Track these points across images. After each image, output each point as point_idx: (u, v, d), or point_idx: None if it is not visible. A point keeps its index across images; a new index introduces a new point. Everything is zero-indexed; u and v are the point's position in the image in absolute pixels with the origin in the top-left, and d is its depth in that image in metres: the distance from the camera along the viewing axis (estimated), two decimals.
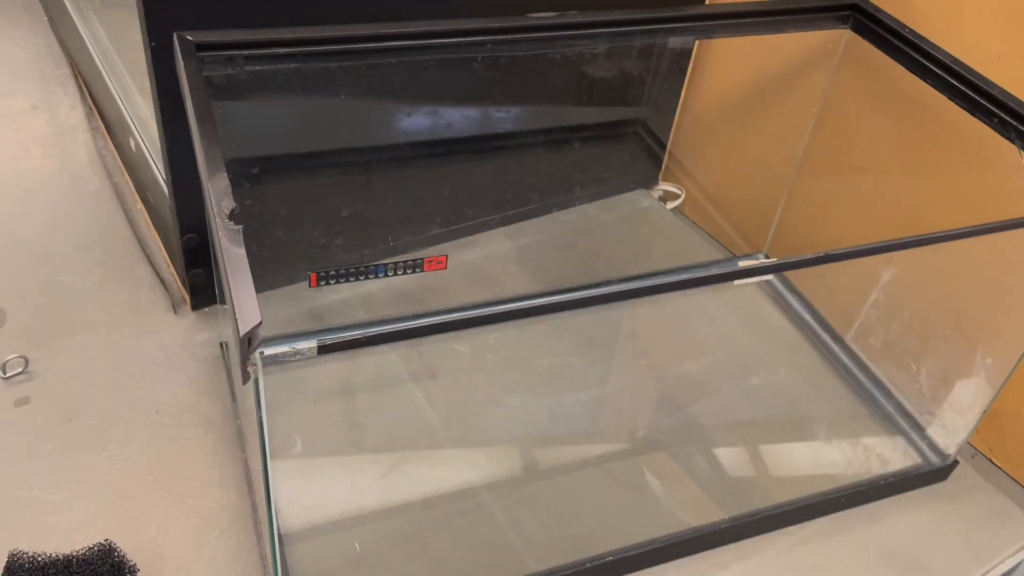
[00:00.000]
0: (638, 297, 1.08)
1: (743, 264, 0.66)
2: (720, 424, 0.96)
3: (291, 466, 0.85)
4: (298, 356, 0.50)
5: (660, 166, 1.32)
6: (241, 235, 0.51)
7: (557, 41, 0.86)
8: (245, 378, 0.48)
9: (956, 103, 0.81)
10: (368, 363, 0.97)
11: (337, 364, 0.96)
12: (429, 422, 0.91)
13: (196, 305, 1.01)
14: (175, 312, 1.00)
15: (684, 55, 1.20)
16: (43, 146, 1.23)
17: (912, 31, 0.86)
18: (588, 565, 0.76)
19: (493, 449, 0.89)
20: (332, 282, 0.90)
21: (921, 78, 0.85)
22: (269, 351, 0.48)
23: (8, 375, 0.90)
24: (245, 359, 0.47)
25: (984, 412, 0.85)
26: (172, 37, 0.69)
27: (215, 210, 0.52)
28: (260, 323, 0.47)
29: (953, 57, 0.82)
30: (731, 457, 0.92)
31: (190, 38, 0.69)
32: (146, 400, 0.90)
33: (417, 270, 0.93)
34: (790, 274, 1.13)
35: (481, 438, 0.90)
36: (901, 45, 0.87)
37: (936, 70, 0.83)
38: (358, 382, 0.95)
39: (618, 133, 1.28)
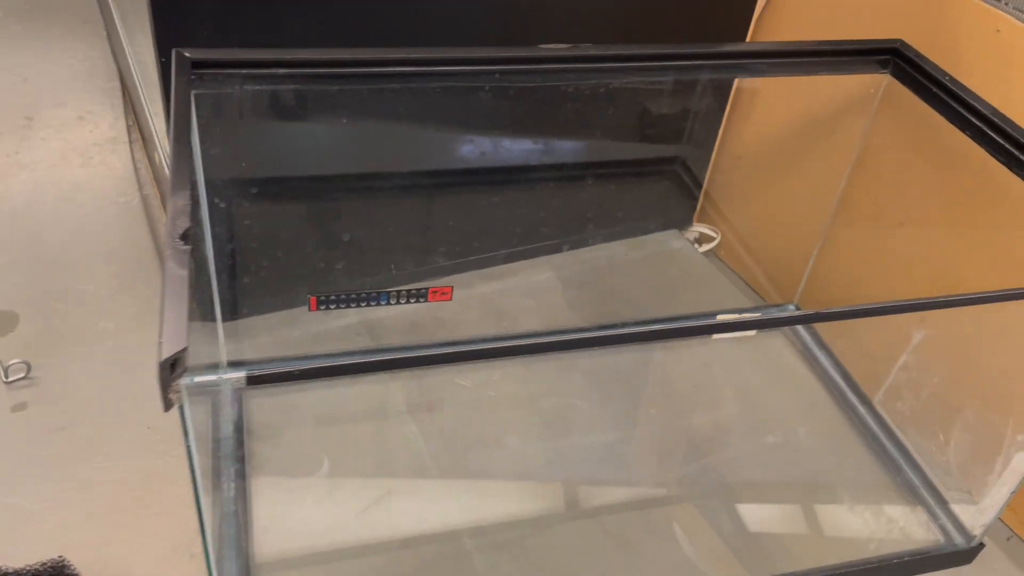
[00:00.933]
0: (637, 342, 1.04)
1: (722, 318, 0.62)
2: (726, 483, 0.90)
3: (272, 491, 0.83)
4: (221, 386, 0.48)
5: (695, 206, 1.28)
6: (188, 256, 0.49)
7: (587, 74, 0.84)
8: (167, 405, 0.46)
9: (995, 157, 0.76)
10: (366, 391, 0.95)
11: (333, 390, 0.94)
12: (420, 457, 0.88)
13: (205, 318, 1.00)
14: None
15: (723, 94, 1.16)
16: (82, 156, 1.26)
17: (952, 79, 0.81)
18: None
19: (482, 491, 0.86)
20: (332, 307, 0.89)
21: (960, 129, 0.79)
22: (190, 381, 0.46)
23: (10, 379, 0.90)
24: (166, 386, 0.44)
25: (1013, 493, 0.78)
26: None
27: (168, 227, 0.51)
28: (185, 349, 0.45)
29: (993, 108, 0.77)
30: (734, 519, 0.87)
31: (187, 55, 0.68)
32: (141, 414, 0.89)
33: (421, 300, 0.92)
34: (820, 328, 1.07)
35: (471, 478, 0.87)
36: (940, 93, 0.82)
37: (975, 121, 0.78)
38: (352, 410, 0.93)
39: (652, 171, 1.25)
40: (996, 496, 0.80)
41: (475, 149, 1.05)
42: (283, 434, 0.89)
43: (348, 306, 0.93)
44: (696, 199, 1.27)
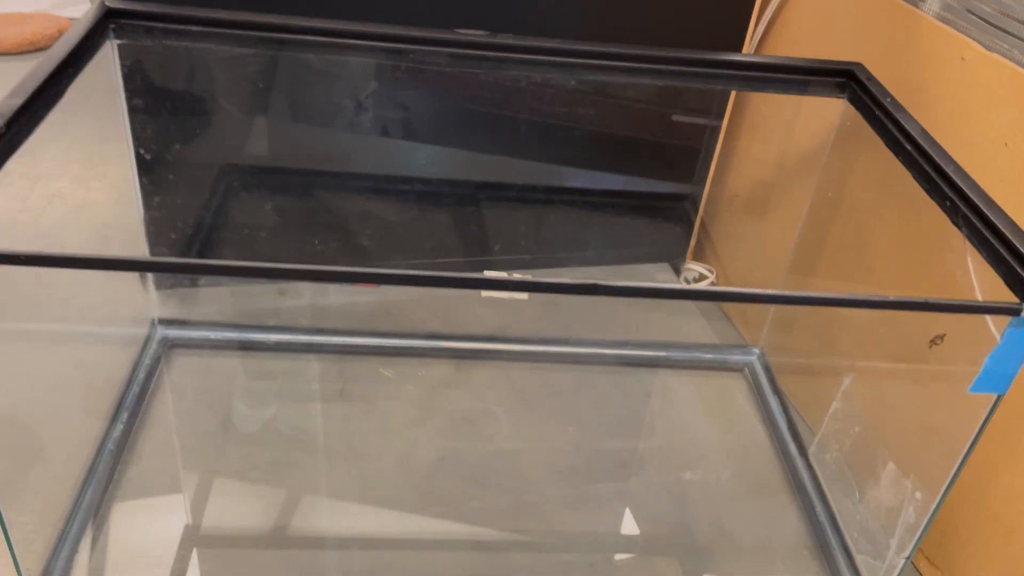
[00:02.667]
0: (568, 362, 1.00)
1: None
2: (628, 512, 0.85)
3: (156, 439, 0.84)
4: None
5: (689, 243, 1.23)
6: None
7: (504, 64, 0.84)
8: None
9: (918, 181, 0.69)
10: (286, 367, 0.96)
11: (256, 362, 0.96)
12: (311, 435, 0.88)
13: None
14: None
15: (714, 130, 1.11)
16: None
17: (893, 101, 0.75)
18: None
19: (359, 475, 0.84)
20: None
21: (895, 153, 0.74)
22: None
23: None
24: None
25: (907, 559, 0.69)
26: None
27: None
28: None
29: (922, 129, 0.71)
30: (628, 550, 0.81)
31: (107, 3, 0.73)
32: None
33: (345, 283, 0.92)
34: (779, 372, 1.00)
35: (353, 462, 0.86)
36: (883, 116, 0.76)
37: (907, 145, 0.72)
38: (266, 383, 0.94)
39: (647, 205, 1.22)
40: (895, 561, 0.71)
41: (441, 158, 1.06)
42: (189, 394, 0.91)
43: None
44: (690, 236, 1.23)
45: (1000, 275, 0.58)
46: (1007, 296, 0.58)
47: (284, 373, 0.95)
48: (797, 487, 0.87)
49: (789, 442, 0.92)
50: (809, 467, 0.88)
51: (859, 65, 0.82)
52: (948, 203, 0.65)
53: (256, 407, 0.90)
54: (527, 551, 0.79)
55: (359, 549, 0.77)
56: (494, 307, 1.10)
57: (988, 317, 0.58)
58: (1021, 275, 0.56)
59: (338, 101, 0.94)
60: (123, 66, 0.77)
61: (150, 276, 0.95)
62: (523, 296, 0.52)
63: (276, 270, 0.59)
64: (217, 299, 1.05)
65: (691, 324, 1.13)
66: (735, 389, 1.01)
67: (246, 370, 0.95)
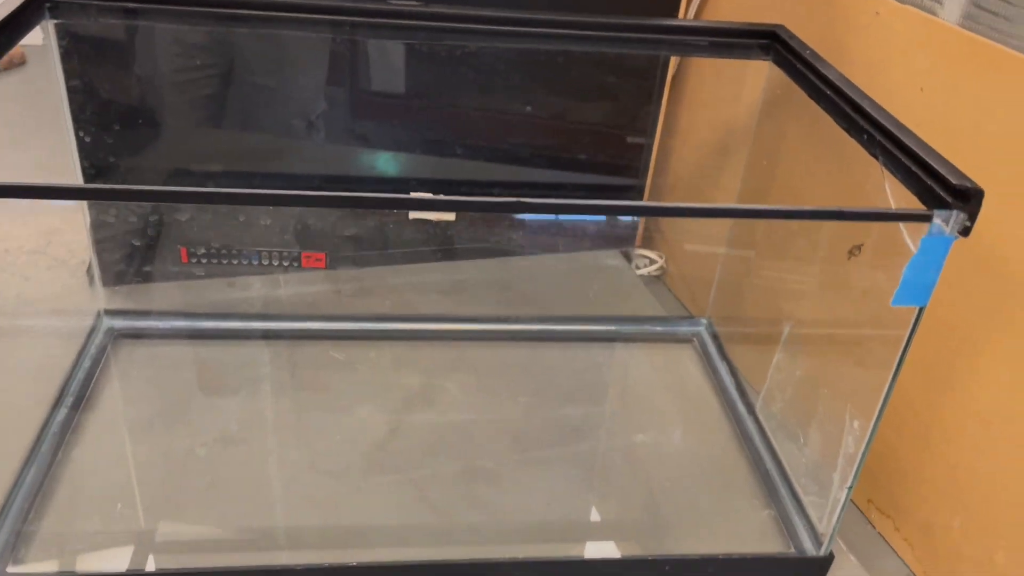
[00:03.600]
0: (520, 339, 1.00)
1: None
2: (579, 472, 0.85)
3: (98, 428, 0.83)
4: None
5: (636, 229, 1.25)
6: None
7: (440, 34, 0.85)
8: None
9: (839, 123, 0.72)
10: (237, 353, 0.96)
11: (205, 349, 0.96)
12: (263, 416, 0.88)
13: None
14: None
15: (652, 120, 1.14)
16: None
17: (813, 53, 0.78)
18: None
19: (309, 448, 0.84)
20: (203, 260, 0.91)
21: (816, 102, 0.76)
22: None
23: None
24: None
25: (849, 489, 0.70)
26: None
27: None
28: None
29: (839, 74, 0.74)
30: (578, 504, 0.81)
31: None
32: None
33: (295, 264, 0.93)
34: (726, 341, 1.01)
35: (308, 440, 0.85)
36: (806, 71, 0.79)
37: (828, 92, 0.74)
38: (216, 368, 0.93)
39: (594, 195, 1.24)
40: (838, 495, 0.72)
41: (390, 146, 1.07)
42: (136, 380, 0.90)
43: (219, 261, 0.95)
44: (636, 223, 1.25)
45: (914, 192, 0.61)
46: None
47: (234, 359, 0.95)
48: (746, 442, 0.88)
49: (737, 402, 0.93)
50: (757, 422, 0.89)
51: (781, 27, 0.85)
52: (865, 136, 0.68)
53: (204, 392, 0.90)
54: (480, 512, 0.79)
55: (311, 519, 0.76)
56: (445, 292, 1.11)
57: (905, 231, 0.60)
58: (930, 185, 0.58)
59: (281, 77, 0.96)
60: (60, 47, 0.78)
61: (97, 271, 0.94)
62: (450, 216, 0.53)
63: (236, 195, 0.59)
64: (166, 293, 1.04)
65: (639, 301, 1.14)
66: (685, 358, 1.03)
67: (195, 357, 0.95)
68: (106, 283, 1.02)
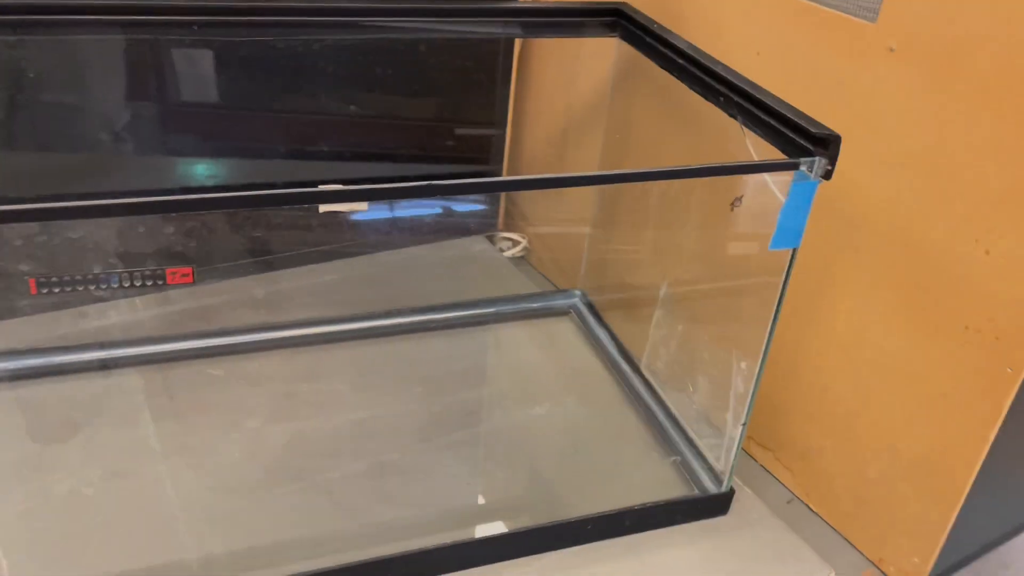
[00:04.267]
0: (402, 333, 1.00)
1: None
2: (482, 452, 0.86)
3: None
4: None
5: (498, 213, 1.28)
6: None
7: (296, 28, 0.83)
8: None
9: (694, 89, 0.77)
10: (107, 384, 0.90)
11: (72, 384, 0.89)
12: (148, 445, 0.82)
13: None
14: None
15: (502, 107, 1.16)
16: None
17: (662, 27, 0.83)
18: None
19: (203, 469, 0.80)
20: (56, 289, 0.84)
21: (669, 72, 0.81)
22: None
23: None
24: None
25: (743, 425, 0.76)
26: None
27: None
28: None
29: (691, 45, 0.78)
30: (484, 483, 0.83)
31: None
32: None
33: (159, 282, 0.87)
34: (601, 308, 1.06)
35: (197, 458, 0.81)
36: (656, 44, 0.83)
37: (680, 61, 0.79)
38: (84, 405, 0.87)
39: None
40: (733, 432, 0.78)
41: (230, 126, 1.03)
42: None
43: (74, 288, 0.87)
44: (497, 209, 1.27)
45: (775, 145, 0.66)
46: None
47: (104, 391, 0.89)
48: (636, 400, 0.93)
49: (621, 363, 0.98)
50: (644, 380, 0.94)
51: (624, 4, 0.90)
52: (722, 99, 0.73)
53: (77, 429, 0.83)
54: (391, 505, 0.78)
55: (220, 542, 0.73)
56: (315, 294, 1.08)
57: (771, 181, 0.66)
58: (791, 137, 0.64)
59: (75, 90, 0.89)
60: None
61: None
62: (363, 206, 0.53)
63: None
64: (10, 331, 0.96)
65: (511, 281, 1.17)
66: (564, 330, 1.06)
67: (60, 395, 0.87)
68: None
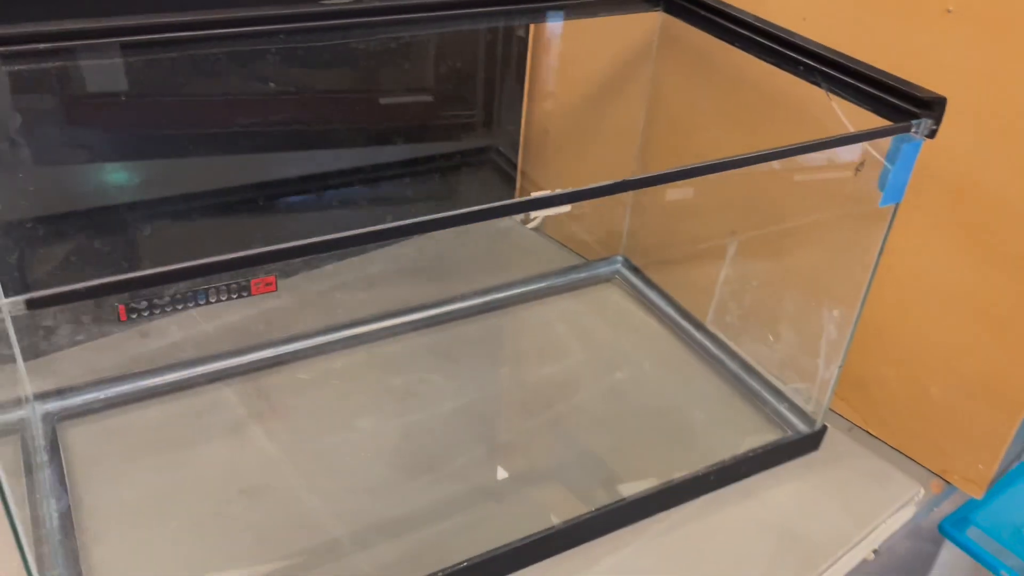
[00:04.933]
0: (474, 314, 1.04)
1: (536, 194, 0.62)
2: (586, 421, 0.91)
3: (104, 525, 0.75)
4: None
5: (515, 186, 1.30)
6: None
7: (375, 28, 0.83)
8: None
9: (764, 59, 0.82)
10: (201, 403, 0.89)
11: (166, 407, 0.88)
12: (268, 456, 0.83)
13: None
14: None
15: (519, 71, 1.19)
16: None
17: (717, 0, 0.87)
18: (441, 574, 0.69)
19: (342, 476, 0.82)
20: (145, 314, 0.82)
21: (730, 43, 0.85)
22: None
23: None
24: None
25: (840, 368, 0.83)
26: None
27: None
28: None
29: (756, 16, 0.83)
30: (596, 452, 0.87)
31: None
32: None
33: (244, 294, 0.86)
34: (649, 271, 1.11)
35: (327, 465, 0.83)
36: (708, 15, 0.87)
37: (743, 32, 0.84)
38: (188, 426, 0.86)
39: (469, 159, 1.26)
40: (827, 375, 0.84)
41: (279, 148, 1.03)
42: (107, 464, 0.81)
43: (163, 311, 0.86)
44: (514, 179, 1.30)
45: (870, 109, 0.72)
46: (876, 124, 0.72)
47: (201, 409, 0.88)
48: (707, 355, 0.99)
49: (682, 321, 1.03)
50: (711, 335, 1.00)
51: None
52: (801, 67, 0.78)
53: (192, 451, 0.83)
54: (526, 482, 0.82)
55: (377, 537, 0.75)
56: (368, 288, 1.09)
57: (869, 144, 0.71)
58: (892, 101, 0.70)
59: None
60: None
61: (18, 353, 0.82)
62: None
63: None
64: (72, 361, 0.93)
65: (545, 253, 1.20)
66: (614, 296, 1.11)
67: (162, 417, 0.87)
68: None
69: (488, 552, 0.71)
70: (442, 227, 0.57)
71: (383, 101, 1.10)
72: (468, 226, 1.30)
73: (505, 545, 0.72)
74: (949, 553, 1.62)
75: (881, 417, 0.99)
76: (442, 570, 0.69)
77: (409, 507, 0.79)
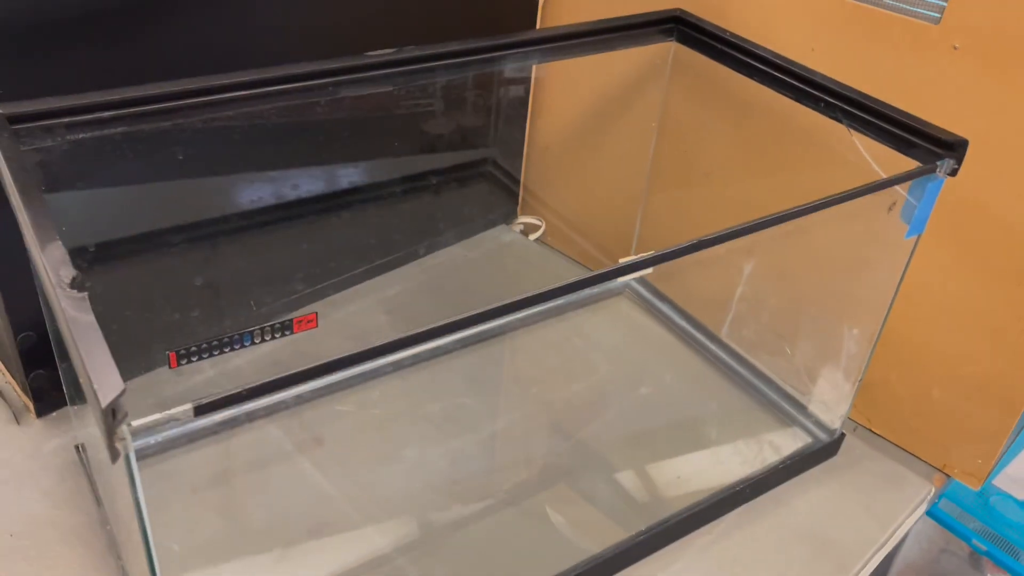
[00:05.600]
0: (499, 334, 1.08)
1: (623, 260, 0.66)
2: (619, 438, 0.95)
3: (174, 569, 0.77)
4: (171, 421, 0.45)
5: (517, 200, 1.33)
6: (87, 302, 0.46)
7: (395, 77, 0.85)
8: (114, 456, 0.42)
9: (783, 94, 0.86)
10: (247, 441, 0.91)
11: (214, 448, 0.89)
12: (323, 491, 0.86)
13: (41, 411, 0.91)
14: (18, 423, 0.90)
15: (524, 88, 1.22)
16: None
17: (732, 34, 0.91)
18: None
19: (396, 507, 0.85)
20: (195, 359, 0.84)
21: (748, 76, 0.89)
22: (138, 422, 0.43)
23: None
24: (111, 433, 0.41)
25: (859, 381, 0.89)
26: None
27: (54, 281, 0.47)
28: (124, 391, 0.42)
29: (773, 52, 0.87)
30: (635, 470, 0.92)
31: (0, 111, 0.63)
32: None
33: (287, 332, 0.88)
34: (660, 284, 1.15)
35: (382, 496, 0.86)
36: (725, 48, 0.91)
37: (760, 66, 0.88)
38: (239, 464, 0.88)
39: (474, 175, 1.29)
40: (846, 387, 0.90)
41: (292, 176, 1.04)
42: (169, 505, 0.83)
43: (212, 354, 0.88)
44: (517, 194, 1.33)
45: (894, 148, 0.77)
46: (899, 162, 0.77)
47: (246, 446, 0.90)
48: (724, 367, 1.04)
49: (696, 334, 1.08)
50: (726, 347, 1.05)
51: (682, 10, 0.97)
52: (822, 104, 0.83)
53: (245, 492, 0.85)
54: (579, 504, 0.86)
55: (451, 567, 0.79)
56: (387, 312, 1.12)
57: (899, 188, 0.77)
58: (915, 141, 0.75)
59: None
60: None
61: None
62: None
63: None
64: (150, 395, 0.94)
65: (551, 267, 1.24)
66: (628, 310, 1.15)
67: (210, 458, 0.88)
68: (39, 413, 0.90)
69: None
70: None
71: (399, 128, 1.11)
72: (475, 240, 1.33)
73: (569, 569, 0.76)
74: (923, 525, 1.73)
75: (886, 418, 1.06)
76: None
77: (467, 535, 0.82)
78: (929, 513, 1.55)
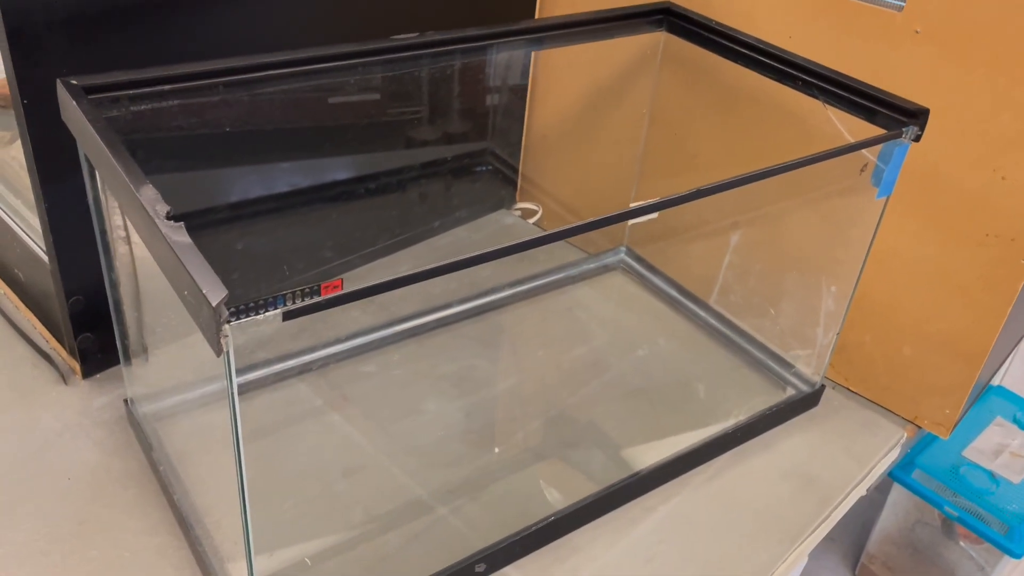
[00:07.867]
0: (510, 303, 1.16)
1: (634, 204, 0.75)
2: (620, 393, 1.04)
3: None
4: (264, 321, 0.53)
5: (516, 187, 1.42)
6: (183, 229, 0.54)
7: (439, 57, 0.93)
8: (218, 350, 0.50)
9: (765, 75, 0.96)
10: (280, 398, 0.99)
11: (248, 404, 0.97)
12: (353, 440, 0.93)
13: (88, 372, 0.98)
14: (66, 383, 0.97)
15: (523, 82, 1.31)
16: None
17: (717, 22, 1.01)
18: (527, 532, 0.81)
19: (425, 454, 0.93)
20: (232, 321, 0.91)
21: (733, 61, 0.99)
22: (237, 322, 0.51)
23: None
24: (217, 331, 0.49)
25: (837, 335, 0.98)
26: (48, 89, 0.71)
27: (152, 214, 0.55)
28: (227, 295, 0.50)
29: (755, 37, 0.97)
30: (636, 419, 1.00)
31: (75, 82, 0.70)
32: (54, 470, 0.87)
33: (314, 296, 0.96)
34: (653, 259, 1.24)
35: (406, 444, 0.94)
36: (711, 36, 1.01)
37: (743, 51, 0.97)
38: (274, 418, 0.96)
39: (476, 162, 1.37)
40: (825, 342, 1.00)
41: (323, 159, 1.12)
42: (212, 452, 0.90)
43: (249, 315, 0.96)
44: (515, 181, 1.42)
45: (863, 119, 0.87)
46: (870, 133, 0.87)
47: (277, 404, 0.98)
48: (713, 330, 1.13)
49: (686, 302, 1.17)
50: (715, 312, 1.14)
51: (670, 1, 1.06)
52: (800, 83, 0.92)
53: (288, 437, 0.93)
54: (582, 448, 0.95)
55: (461, 504, 0.87)
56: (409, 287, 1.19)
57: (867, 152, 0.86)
58: (882, 111, 0.85)
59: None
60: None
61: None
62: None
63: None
64: (152, 367, 1.01)
65: (550, 251, 1.33)
66: (622, 283, 1.24)
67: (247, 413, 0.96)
68: (85, 374, 0.97)
69: (566, 508, 0.84)
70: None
71: (407, 116, 1.20)
72: (477, 224, 1.41)
73: (579, 501, 0.85)
74: (897, 494, 1.83)
75: (861, 376, 1.16)
76: (526, 528, 0.81)
77: (485, 475, 0.90)
78: (904, 484, 1.65)
